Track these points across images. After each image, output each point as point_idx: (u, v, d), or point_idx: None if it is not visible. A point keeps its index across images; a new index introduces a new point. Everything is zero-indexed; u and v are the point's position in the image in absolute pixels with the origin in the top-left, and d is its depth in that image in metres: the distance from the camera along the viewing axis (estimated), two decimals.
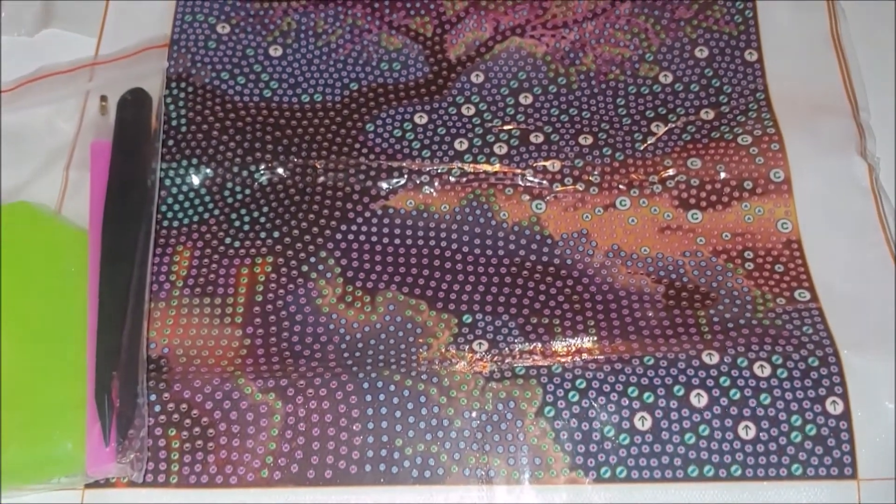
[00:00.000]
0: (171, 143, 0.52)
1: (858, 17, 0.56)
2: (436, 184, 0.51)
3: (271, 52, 0.56)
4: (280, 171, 0.51)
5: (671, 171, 0.51)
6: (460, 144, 0.53)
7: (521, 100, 0.54)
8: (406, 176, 0.51)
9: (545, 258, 0.49)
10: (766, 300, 0.46)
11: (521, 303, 0.47)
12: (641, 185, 0.50)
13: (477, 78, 0.55)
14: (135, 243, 0.48)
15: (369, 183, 0.51)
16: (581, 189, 0.50)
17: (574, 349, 0.45)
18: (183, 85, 0.54)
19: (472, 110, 0.54)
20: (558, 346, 0.45)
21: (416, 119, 0.54)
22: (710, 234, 0.49)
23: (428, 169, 0.51)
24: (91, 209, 0.49)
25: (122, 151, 0.50)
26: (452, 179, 0.51)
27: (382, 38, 0.56)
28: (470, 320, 0.47)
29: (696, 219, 0.49)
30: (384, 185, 0.51)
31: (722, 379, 0.43)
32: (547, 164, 0.51)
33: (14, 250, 0.47)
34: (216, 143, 0.52)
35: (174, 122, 0.52)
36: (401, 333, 0.46)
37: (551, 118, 0.53)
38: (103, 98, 0.53)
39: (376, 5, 0.57)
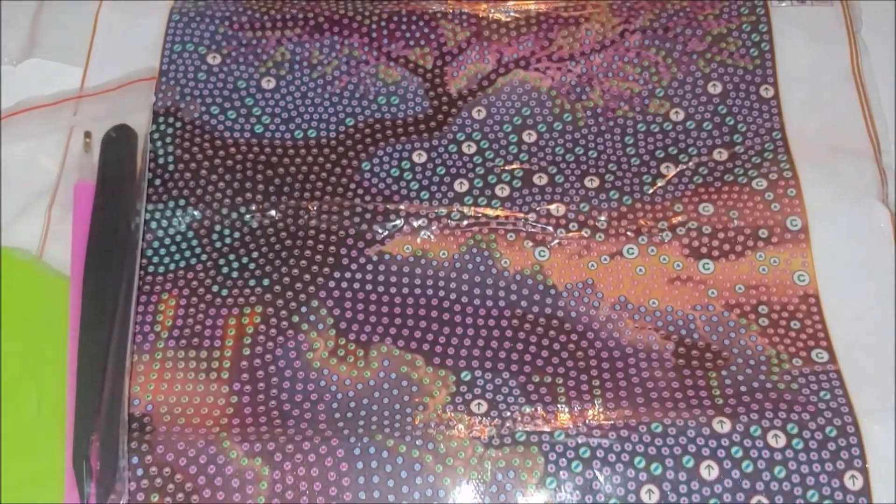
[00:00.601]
0: (157, 182, 0.49)
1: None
2: (434, 227, 0.49)
3: (264, 84, 0.53)
4: (272, 213, 0.49)
5: (681, 217, 0.48)
6: (460, 185, 0.50)
7: (525, 137, 0.52)
8: (403, 219, 0.49)
9: (548, 310, 0.46)
10: (782, 360, 0.44)
11: (522, 359, 0.45)
12: (650, 232, 0.48)
13: (479, 113, 0.53)
14: (118, 291, 0.46)
15: (364, 226, 0.49)
16: (587, 235, 0.48)
17: (578, 413, 0.42)
18: (171, 120, 0.51)
19: (474, 148, 0.51)
20: (561, 409, 0.43)
21: (415, 157, 0.51)
22: (723, 286, 0.46)
23: (426, 212, 0.49)
24: (73, 255, 0.47)
25: (106, 193, 0.48)
26: (452, 223, 0.49)
27: (380, 69, 0.54)
28: (468, 378, 0.44)
29: (708, 269, 0.47)
30: (380, 229, 0.48)
31: (734, 449, 0.41)
32: (551, 207, 0.49)
33: None
34: (205, 182, 0.50)
35: (161, 160, 0.50)
36: (395, 392, 0.44)
37: (556, 158, 0.51)
38: (87, 134, 0.50)
39: (374, 35, 0.54)
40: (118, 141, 0.50)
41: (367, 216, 0.49)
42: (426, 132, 0.52)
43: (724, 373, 0.44)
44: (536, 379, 0.44)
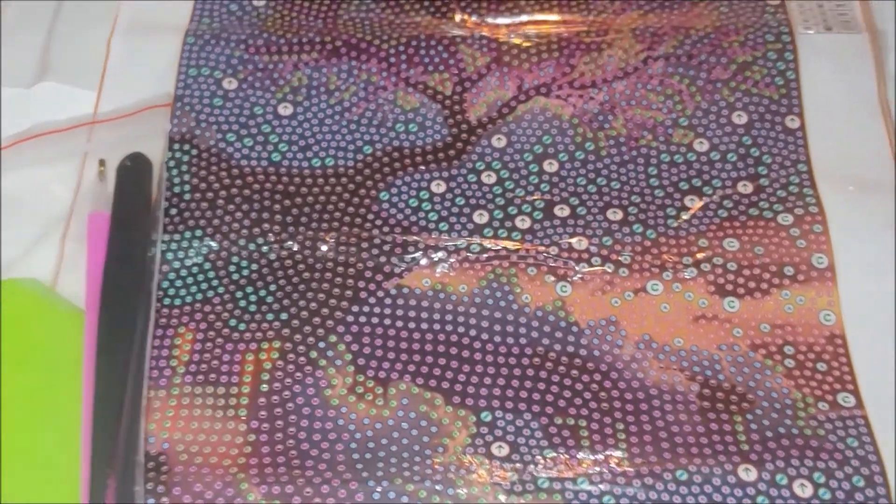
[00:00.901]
0: (173, 211, 0.49)
1: None
2: (453, 260, 0.48)
3: (280, 110, 0.52)
4: (289, 243, 0.48)
5: (706, 253, 0.47)
6: (480, 217, 0.49)
7: (546, 167, 0.51)
8: (422, 251, 0.48)
9: (570, 348, 0.46)
10: (808, 404, 0.43)
11: (544, 399, 0.44)
12: (675, 268, 0.47)
13: (499, 142, 0.52)
14: (133, 325, 0.45)
15: (382, 259, 0.48)
16: (610, 271, 0.47)
17: (601, 459, 0.42)
18: (186, 147, 0.51)
19: (493, 178, 0.51)
20: (584, 454, 0.42)
21: (434, 187, 0.50)
22: (748, 324, 0.46)
23: (445, 244, 0.48)
24: (88, 287, 0.46)
25: (121, 225, 0.48)
26: (471, 256, 0.48)
27: (398, 96, 0.53)
28: (489, 418, 0.43)
29: (733, 307, 0.46)
30: (398, 262, 0.48)
31: (760, 498, 0.40)
32: (573, 241, 0.48)
33: (4, 334, 0.44)
34: (221, 212, 0.49)
35: (176, 189, 0.49)
36: (414, 433, 0.43)
37: (578, 188, 0.50)
38: (101, 162, 0.50)
39: (392, 60, 0.54)
40: (133, 169, 0.49)
41: (386, 248, 0.48)
42: (445, 161, 0.51)
43: (749, 416, 0.43)
44: (559, 421, 0.43)
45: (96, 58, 0.54)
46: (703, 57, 0.53)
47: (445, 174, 0.51)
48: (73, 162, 0.51)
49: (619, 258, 0.48)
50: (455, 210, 0.50)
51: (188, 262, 0.48)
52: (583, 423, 0.43)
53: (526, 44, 0.54)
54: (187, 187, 0.50)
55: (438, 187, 0.50)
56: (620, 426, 0.43)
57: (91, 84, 0.53)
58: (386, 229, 0.49)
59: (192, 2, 0.56)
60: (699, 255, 0.47)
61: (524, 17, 0.55)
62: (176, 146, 0.51)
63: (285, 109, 0.53)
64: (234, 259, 0.48)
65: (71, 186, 0.50)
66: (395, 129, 0.52)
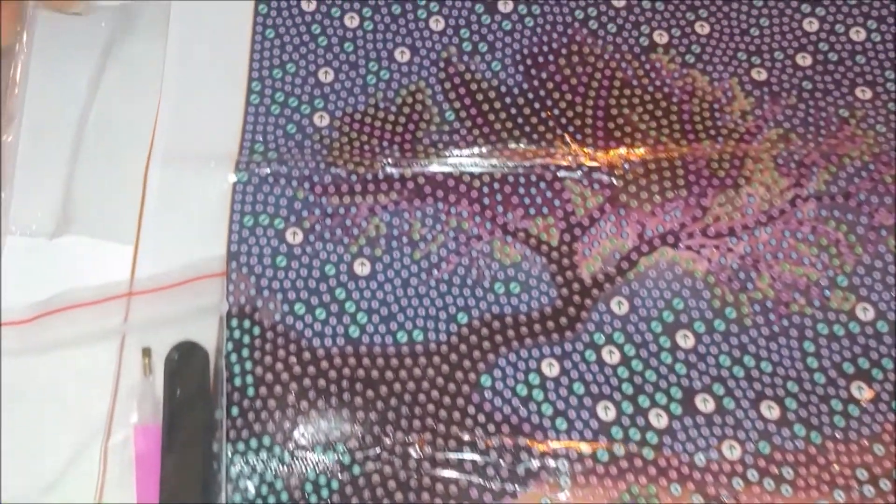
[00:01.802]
0: (235, 411, 0.40)
1: None
2: (578, 470, 0.40)
3: (357, 268, 0.44)
4: (375, 450, 0.40)
5: (886, 464, 0.39)
6: (605, 411, 0.41)
7: (680, 341, 0.42)
8: (537, 459, 0.40)
9: None
10: None
11: None
12: (848, 486, 0.38)
13: (619, 307, 0.43)
14: None
15: (491, 471, 0.40)
16: (770, 489, 0.39)
17: None
18: (247, 325, 0.42)
19: (617, 356, 0.42)
20: None
21: (545, 368, 0.42)
22: None
23: (565, 451, 0.40)
24: None
25: (175, 440, 0.39)
26: (599, 467, 0.39)
27: (496, 246, 0.44)
28: None
29: None
30: (509, 482, 0.39)
31: None
32: (724, 447, 0.40)
33: None
34: (293, 412, 0.41)
35: (237, 381, 0.41)
36: None
37: (721, 371, 0.41)
38: (145, 353, 0.41)
39: (486, 201, 0.45)
40: (182, 363, 0.40)
41: (492, 456, 0.40)
42: (556, 332, 0.42)
43: None
44: None
45: (130, 202, 0.44)
46: (861, 196, 0.44)
47: (558, 350, 0.42)
48: (108, 346, 0.42)
49: (781, 472, 0.39)
50: (574, 401, 0.41)
51: (256, 481, 0.39)
52: None
53: (645, 180, 0.45)
54: (250, 380, 0.41)
55: (551, 369, 0.42)
56: None
57: (125, 236, 0.44)
58: (491, 427, 0.41)
59: (239, 119, 0.47)
60: (876, 469, 0.39)
61: (642, 149, 0.46)
62: (234, 324, 0.42)
63: (362, 268, 0.44)
64: (311, 475, 0.39)
65: (108, 381, 0.41)
66: (494, 290, 0.43)
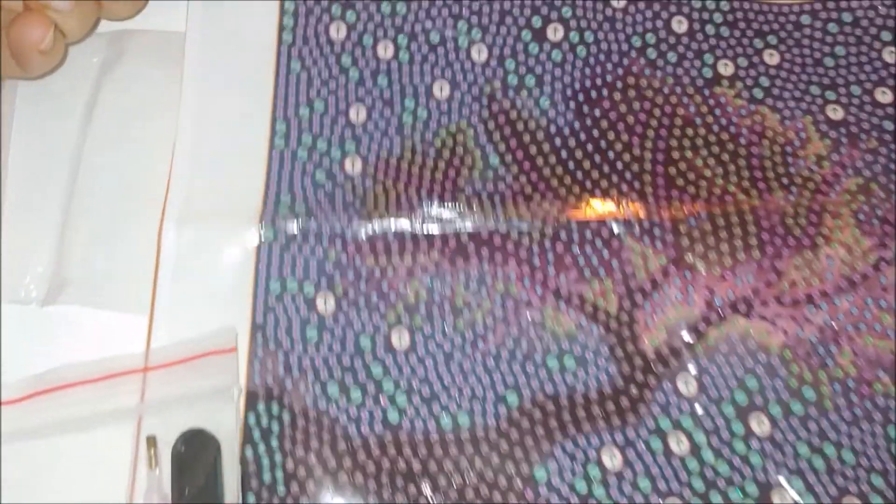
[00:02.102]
0: None
1: None
2: None
3: (395, 341, 0.39)
4: None
5: None
6: None
7: (755, 426, 0.38)
8: None
9: None
10: None
11: None
12: None
13: (688, 387, 0.39)
14: None
15: None
16: None
17: None
18: (275, 410, 0.38)
19: (686, 445, 0.38)
20: None
21: (606, 459, 0.38)
22: None
23: None
24: None
25: None
26: None
27: (547, 315, 0.40)
28: None
29: None
30: None
31: None
32: None
33: None
34: None
35: (266, 478, 0.37)
36: None
37: (800, 462, 0.38)
38: (150, 442, 0.37)
39: (537, 262, 0.40)
40: (189, 455, 0.36)
41: None
42: (617, 415, 0.38)
43: None
44: None
45: (142, 265, 0.40)
46: None
47: (620, 437, 0.38)
48: (122, 428, 0.37)
49: None
50: (638, 499, 0.37)
51: None
52: None
53: (714, 237, 0.40)
54: (280, 475, 0.37)
55: (612, 461, 0.38)
56: None
57: (135, 305, 0.39)
58: None
59: (263, 165, 0.41)
60: None
61: (708, 200, 0.41)
62: (260, 408, 0.38)
63: (400, 340, 0.39)
64: None
65: (116, 472, 0.37)
66: (547, 366, 0.39)
